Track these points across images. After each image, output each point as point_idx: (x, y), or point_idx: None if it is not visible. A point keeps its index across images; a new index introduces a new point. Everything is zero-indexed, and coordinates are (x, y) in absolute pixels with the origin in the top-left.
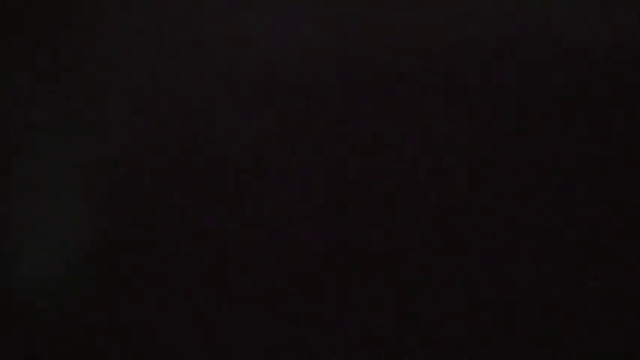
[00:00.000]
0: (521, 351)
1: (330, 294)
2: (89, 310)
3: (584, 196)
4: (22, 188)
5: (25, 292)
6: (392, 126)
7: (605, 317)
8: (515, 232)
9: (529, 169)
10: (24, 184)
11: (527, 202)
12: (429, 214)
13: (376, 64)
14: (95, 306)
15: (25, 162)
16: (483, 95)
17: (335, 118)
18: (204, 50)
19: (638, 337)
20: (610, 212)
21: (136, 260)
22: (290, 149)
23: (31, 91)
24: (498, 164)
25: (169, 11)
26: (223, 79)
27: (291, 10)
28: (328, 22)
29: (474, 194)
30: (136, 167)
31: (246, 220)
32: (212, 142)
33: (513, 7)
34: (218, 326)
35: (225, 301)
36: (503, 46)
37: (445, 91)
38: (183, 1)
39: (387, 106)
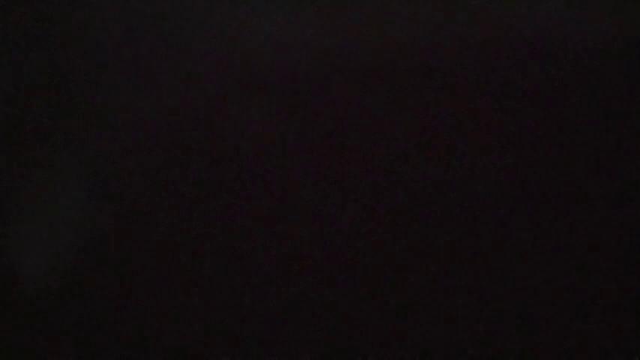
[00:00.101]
0: (522, 351)
1: (330, 294)
2: (89, 310)
3: (584, 196)
4: (22, 188)
5: (25, 292)
6: (392, 126)
7: (605, 317)
8: (515, 232)
9: (529, 169)
10: (24, 184)
11: (528, 202)
12: (430, 213)
13: (377, 62)
14: (95, 306)
15: (25, 162)
16: (483, 95)
17: (335, 117)
18: (204, 50)
19: (638, 337)
20: (610, 212)
21: (136, 260)
22: (290, 148)
23: (31, 91)
24: (499, 164)
25: (169, 11)
26: (223, 78)
27: (291, 10)
28: (328, 22)
29: (474, 194)
30: (136, 167)
31: (246, 220)
32: (212, 141)
33: (513, 6)
34: (218, 326)
35: (226, 301)
36: (503, 46)
37: (446, 91)
38: (183, 0)
39: (388, 105)
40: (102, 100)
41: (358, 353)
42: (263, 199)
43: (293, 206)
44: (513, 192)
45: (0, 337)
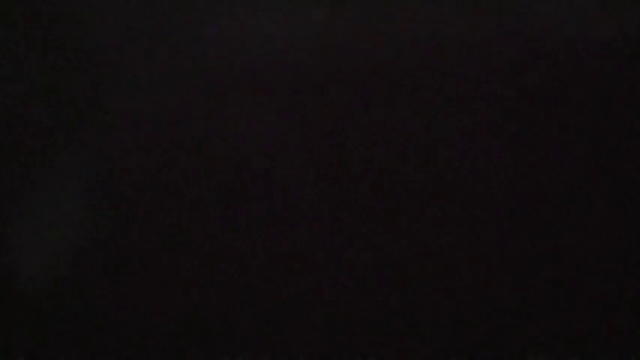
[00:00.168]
0: (522, 351)
1: (330, 293)
2: (89, 310)
3: (585, 196)
4: (22, 188)
5: (26, 292)
6: (393, 125)
7: (605, 317)
8: (515, 232)
9: (529, 169)
10: (24, 184)
11: (527, 201)
12: (430, 213)
13: (377, 62)
14: (95, 306)
15: (25, 162)
16: (483, 95)
17: (335, 117)
18: (204, 50)
19: (638, 336)
20: (610, 212)
21: (136, 260)
22: (290, 148)
23: (31, 91)
24: (499, 164)
25: (169, 10)
26: (223, 78)
27: (291, 9)
28: (328, 22)
29: (474, 194)
30: (136, 167)
31: (246, 220)
32: (211, 141)
33: (514, 6)
34: (218, 326)
35: (226, 301)
36: (503, 45)
37: (446, 91)
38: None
39: (388, 105)
40: (102, 100)
41: (358, 353)
42: (263, 199)
43: (293, 206)
44: (513, 192)
45: (0, 337)
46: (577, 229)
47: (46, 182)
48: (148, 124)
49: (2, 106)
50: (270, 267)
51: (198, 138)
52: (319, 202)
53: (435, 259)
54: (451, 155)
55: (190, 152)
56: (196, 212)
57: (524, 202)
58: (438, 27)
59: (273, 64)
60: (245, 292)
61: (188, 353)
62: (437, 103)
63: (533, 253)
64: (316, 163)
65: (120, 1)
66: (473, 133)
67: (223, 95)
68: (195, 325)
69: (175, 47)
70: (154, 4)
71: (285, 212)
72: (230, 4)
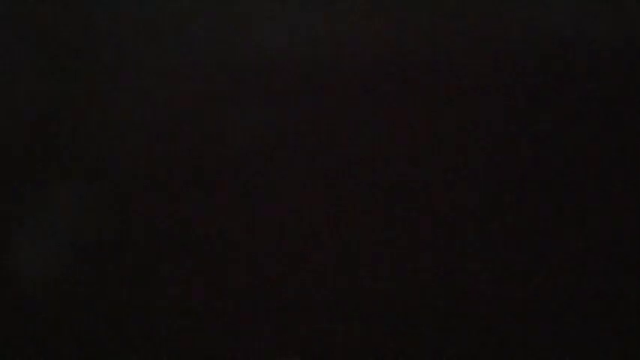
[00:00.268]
0: (522, 351)
1: (330, 294)
2: (89, 310)
3: (584, 196)
4: (22, 188)
5: (25, 292)
6: (392, 125)
7: (605, 317)
8: (515, 231)
9: (529, 169)
10: (24, 184)
11: (528, 201)
12: (430, 213)
13: (377, 63)
14: (95, 305)
15: (25, 161)
16: (484, 94)
17: (335, 117)
18: (204, 50)
19: (638, 336)
20: (610, 212)
21: (136, 260)
22: (289, 148)
23: (31, 91)
24: (499, 163)
25: (170, 11)
26: (223, 78)
27: (290, 9)
28: (328, 22)
29: (474, 194)
30: (136, 167)
31: (247, 220)
32: (211, 141)
33: (513, 6)
34: (218, 325)
35: (227, 301)
36: (503, 45)
37: (446, 91)
38: (183, 0)
39: (388, 105)
40: (102, 100)
41: (358, 353)
42: (263, 199)
43: (293, 206)
44: (513, 191)
45: (0, 337)
46: (577, 229)
47: (45, 182)
48: (148, 124)
49: (2, 106)
50: (270, 267)
51: (197, 138)
52: (319, 202)
53: (436, 259)
54: (451, 155)
55: (190, 152)
56: (196, 212)
57: (524, 202)
58: (437, 27)
59: (274, 63)
60: (245, 292)
61: (188, 353)
62: (437, 103)
63: (534, 253)
64: (316, 163)
65: (120, 1)
66: (473, 133)
67: (223, 95)
68: (195, 325)
69: (176, 47)
70: (154, 4)
71: (285, 212)
72: (230, 4)
